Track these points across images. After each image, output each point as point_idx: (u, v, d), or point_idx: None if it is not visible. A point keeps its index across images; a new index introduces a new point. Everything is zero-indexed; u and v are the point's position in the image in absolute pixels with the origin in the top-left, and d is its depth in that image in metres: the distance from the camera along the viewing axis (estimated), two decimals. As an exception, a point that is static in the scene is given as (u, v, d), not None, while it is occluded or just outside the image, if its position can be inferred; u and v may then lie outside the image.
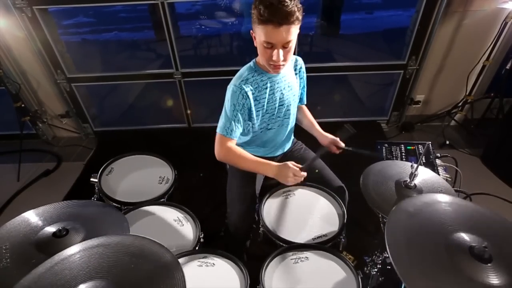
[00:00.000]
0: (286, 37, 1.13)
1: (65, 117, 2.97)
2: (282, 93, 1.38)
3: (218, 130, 1.32)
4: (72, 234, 1.00)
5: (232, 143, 1.31)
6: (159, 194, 1.49)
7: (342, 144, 1.43)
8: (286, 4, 1.07)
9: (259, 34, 1.15)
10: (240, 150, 1.31)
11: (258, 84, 1.32)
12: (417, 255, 0.86)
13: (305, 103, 1.62)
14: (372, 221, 1.59)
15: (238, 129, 1.30)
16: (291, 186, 1.33)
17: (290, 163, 1.23)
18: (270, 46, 1.16)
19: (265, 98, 1.35)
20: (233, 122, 1.28)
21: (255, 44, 1.25)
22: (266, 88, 1.34)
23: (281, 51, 1.17)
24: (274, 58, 1.18)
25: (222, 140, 1.30)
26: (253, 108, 1.33)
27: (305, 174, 1.24)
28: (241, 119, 1.29)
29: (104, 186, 1.54)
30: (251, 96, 1.29)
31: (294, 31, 1.14)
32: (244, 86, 1.28)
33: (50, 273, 0.78)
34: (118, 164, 1.68)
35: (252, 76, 1.31)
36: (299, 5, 1.12)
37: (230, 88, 1.30)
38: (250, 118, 1.36)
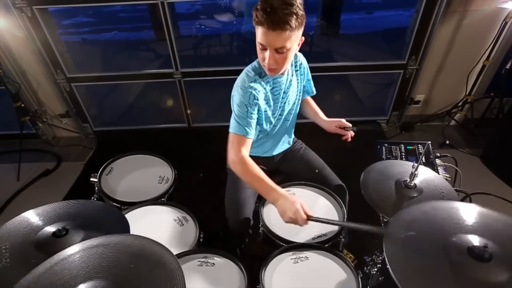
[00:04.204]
0: (277, 42, 1.11)
1: (65, 117, 2.97)
2: (285, 93, 1.38)
3: (232, 130, 1.25)
4: (72, 234, 1.00)
5: (249, 143, 1.26)
6: (159, 194, 1.49)
7: (348, 124, 1.41)
8: (284, 9, 1.05)
9: (256, 34, 1.16)
10: (252, 165, 1.21)
11: (264, 85, 1.31)
12: (416, 259, 0.85)
13: (314, 93, 1.58)
14: (372, 221, 1.59)
15: (253, 129, 1.25)
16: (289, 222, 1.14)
17: (299, 204, 1.09)
18: (264, 47, 1.16)
19: (269, 98, 1.35)
20: (248, 120, 1.24)
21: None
22: (273, 89, 1.34)
23: (276, 56, 1.16)
24: (266, 60, 1.18)
25: (240, 141, 1.23)
26: (261, 108, 1.32)
27: (307, 222, 1.09)
28: (254, 118, 1.26)
29: (104, 186, 1.54)
30: (260, 97, 1.28)
31: (289, 38, 1.11)
32: (255, 87, 1.25)
33: (49, 273, 0.78)
34: (118, 164, 1.68)
35: (259, 77, 1.30)
36: (301, 13, 1.09)
37: (238, 90, 1.26)
38: (258, 118, 1.35)
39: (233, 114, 1.28)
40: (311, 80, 1.55)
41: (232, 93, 1.32)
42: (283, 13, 1.06)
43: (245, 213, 1.39)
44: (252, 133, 1.25)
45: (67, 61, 2.69)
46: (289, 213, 1.09)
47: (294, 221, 1.10)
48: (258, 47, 1.18)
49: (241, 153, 1.22)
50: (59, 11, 2.80)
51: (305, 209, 1.09)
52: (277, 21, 1.06)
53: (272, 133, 1.49)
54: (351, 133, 1.47)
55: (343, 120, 1.46)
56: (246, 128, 1.23)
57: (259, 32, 1.13)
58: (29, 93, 2.80)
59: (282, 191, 1.15)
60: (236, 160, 1.22)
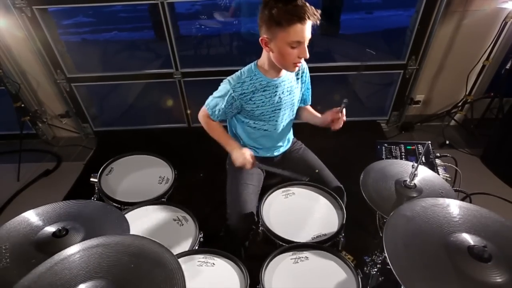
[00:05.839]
0: (309, 32, 1.18)
1: (65, 117, 2.97)
2: (280, 97, 1.40)
3: (206, 106, 1.43)
4: (72, 234, 1.00)
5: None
6: (159, 194, 1.49)
7: (338, 109, 1.45)
8: (303, 1, 1.14)
9: (285, 36, 1.17)
10: (217, 125, 1.47)
11: (256, 87, 1.35)
12: (416, 258, 0.86)
13: (310, 103, 1.62)
14: (372, 221, 1.59)
15: (221, 116, 1.42)
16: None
17: (248, 153, 1.39)
18: (297, 45, 1.19)
19: (261, 100, 1.37)
20: (218, 110, 1.39)
21: (267, 50, 1.26)
22: (264, 91, 1.36)
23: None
24: (304, 55, 1.22)
25: (207, 115, 1.44)
26: (248, 108, 1.38)
27: (250, 166, 1.39)
28: (226, 112, 1.40)
29: (104, 186, 1.54)
30: (241, 98, 1.35)
31: None
32: (237, 90, 1.33)
33: (50, 273, 0.78)
34: (118, 164, 1.68)
35: (250, 80, 1.34)
36: None
37: (226, 82, 1.36)
38: (246, 113, 1.41)
39: (216, 92, 1.40)
40: (310, 90, 1.57)
41: None
42: (304, 4, 1.14)
43: (248, 209, 1.40)
44: (218, 119, 1.43)
45: (67, 61, 2.69)
46: (240, 159, 1.38)
47: (243, 164, 1.39)
48: (288, 48, 1.19)
49: (206, 119, 1.45)
50: (59, 11, 2.80)
51: (252, 157, 1.40)
52: (306, 12, 1.13)
53: (271, 134, 1.50)
54: (340, 121, 1.47)
55: (333, 110, 1.47)
56: (215, 114, 1.41)
57: (295, 30, 1.15)
58: (29, 93, 2.81)
59: (236, 144, 1.43)
60: (203, 122, 1.48)
